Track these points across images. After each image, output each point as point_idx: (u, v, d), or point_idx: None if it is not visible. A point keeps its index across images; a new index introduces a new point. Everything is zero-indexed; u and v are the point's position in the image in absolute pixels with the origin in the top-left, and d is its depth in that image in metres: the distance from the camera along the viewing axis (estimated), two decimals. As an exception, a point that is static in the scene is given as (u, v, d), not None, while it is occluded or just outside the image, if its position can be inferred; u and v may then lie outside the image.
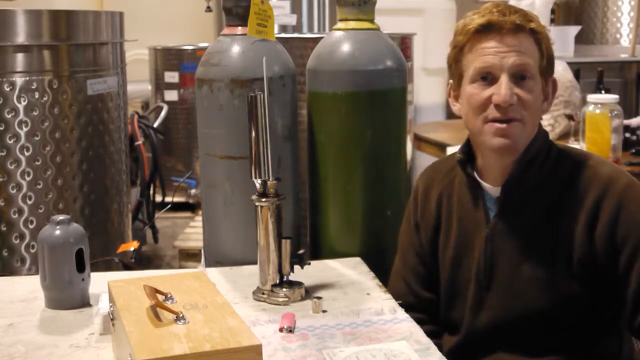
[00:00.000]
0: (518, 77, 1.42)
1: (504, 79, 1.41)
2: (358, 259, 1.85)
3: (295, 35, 3.40)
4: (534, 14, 1.48)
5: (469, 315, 1.53)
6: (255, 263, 1.62)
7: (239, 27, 1.87)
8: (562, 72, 3.30)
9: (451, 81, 1.54)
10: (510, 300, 1.47)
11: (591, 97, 2.92)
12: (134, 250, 2.02)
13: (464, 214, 1.56)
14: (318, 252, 1.95)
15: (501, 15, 1.42)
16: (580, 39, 4.82)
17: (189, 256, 4.08)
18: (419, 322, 1.48)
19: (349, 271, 1.78)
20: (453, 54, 1.50)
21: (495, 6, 1.44)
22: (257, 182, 1.58)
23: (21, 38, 2.40)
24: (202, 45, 5.33)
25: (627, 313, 1.41)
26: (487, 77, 1.43)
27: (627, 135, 3.01)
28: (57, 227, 1.55)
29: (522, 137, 1.44)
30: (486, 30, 1.43)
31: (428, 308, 1.62)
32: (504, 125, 1.42)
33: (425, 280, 1.64)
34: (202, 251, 1.98)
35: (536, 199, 1.47)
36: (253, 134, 1.56)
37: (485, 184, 1.52)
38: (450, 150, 2.92)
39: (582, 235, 1.41)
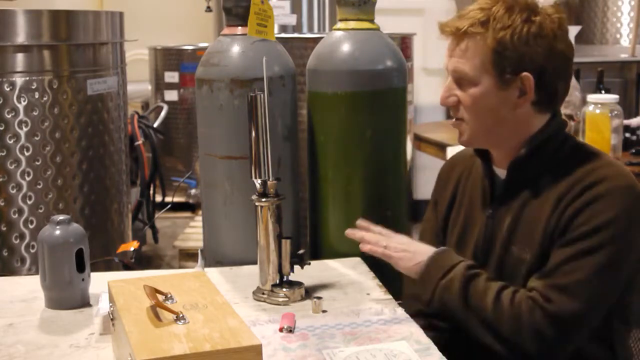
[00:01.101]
0: (459, 79, 1.48)
1: (448, 80, 1.50)
2: (358, 259, 1.85)
3: (295, 35, 3.41)
4: (503, 12, 1.44)
5: None
6: (255, 263, 1.62)
7: (239, 27, 1.87)
8: (562, 72, 3.29)
9: None
10: (500, 279, 1.48)
11: (591, 97, 2.92)
12: (134, 250, 2.02)
13: (474, 194, 1.60)
14: (318, 252, 1.95)
15: (457, 19, 1.47)
16: (580, 39, 4.81)
17: (189, 256, 4.08)
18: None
19: (349, 271, 1.78)
20: None
21: (465, 8, 1.48)
22: (257, 182, 1.58)
23: (21, 38, 2.40)
24: (202, 45, 5.33)
25: (527, 273, 1.43)
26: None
27: (627, 135, 3.01)
28: (57, 227, 1.55)
29: (473, 135, 1.50)
30: (442, 31, 1.49)
31: None
32: (454, 122, 1.52)
33: None
34: (199, 252, 1.98)
35: (540, 186, 1.48)
36: (253, 134, 1.56)
37: (496, 168, 1.56)
38: (450, 150, 2.91)
39: (560, 224, 1.42)
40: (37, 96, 2.41)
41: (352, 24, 1.90)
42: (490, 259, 1.52)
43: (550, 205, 1.44)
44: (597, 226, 1.37)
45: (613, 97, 2.89)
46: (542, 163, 1.49)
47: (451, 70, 1.48)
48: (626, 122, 3.01)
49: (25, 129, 2.40)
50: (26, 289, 1.68)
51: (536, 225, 1.45)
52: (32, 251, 2.43)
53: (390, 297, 1.61)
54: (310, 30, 3.86)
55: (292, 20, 3.77)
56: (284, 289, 1.59)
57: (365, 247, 1.60)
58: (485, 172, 1.57)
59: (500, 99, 1.47)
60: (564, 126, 1.53)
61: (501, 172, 1.54)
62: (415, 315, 1.54)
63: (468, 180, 1.64)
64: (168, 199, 4.40)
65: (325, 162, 1.91)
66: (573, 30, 4.63)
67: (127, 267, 2.10)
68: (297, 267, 1.62)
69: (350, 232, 1.65)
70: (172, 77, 5.35)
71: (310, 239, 2.00)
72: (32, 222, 2.44)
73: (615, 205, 1.38)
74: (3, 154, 2.38)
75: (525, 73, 1.44)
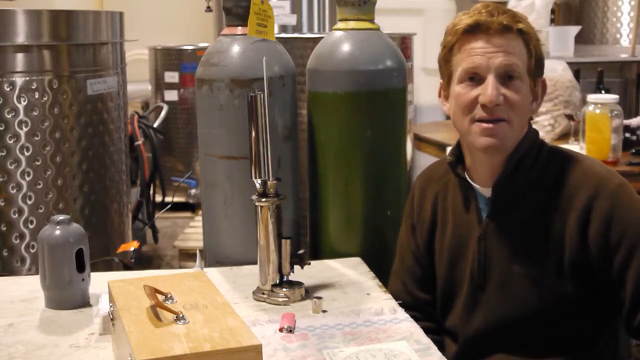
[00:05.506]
0: (505, 77, 1.43)
1: (490, 79, 1.42)
2: (358, 259, 1.85)
3: (295, 35, 3.41)
4: (524, 14, 1.49)
5: (463, 314, 1.53)
6: (255, 263, 1.62)
7: (239, 27, 1.87)
8: (562, 72, 3.29)
9: (441, 81, 1.55)
10: (503, 300, 1.48)
11: (591, 97, 2.92)
12: (134, 250, 2.02)
13: (458, 215, 1.56)
14: (318, 252, 1.95)
15: (489, 16, 1.43)
16: (580, 39, 4.81)
17: (189, 256, 4.07)
18: (414, 319, 1.50)
19: (349, 271, 1.78)
20: (443, 53, 1.51)
21: (485, 7, 1.45)
22: (257, 182, 1.58)
23: (21, 38, 2.40)
24: (202, 45, 5.33)
25: (624, 314, 1.41)
26: (475, 78, 1.44)
27: (627, 135, 3.00)
28: (57, 227, 1.55)
29: (509, 137, 1.45)
30: (474, 30, 1.44)
31: (423, 308, 1.64)
32: (490, 125, 1.43)
33: (421, 281, 1.65)
34: (197, 253, 1.97)
35: (527, 199, 1.47)
36: (253, 134, 1.56)
37: (476, 185, 1.53)
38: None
39: (573, 235, 1.41)
40: (37, 96, 2.41)
41: (352, 24, 1.90)
42: (489, 280, 1.50)
43: (557, 220, 1.43)
44: (637, 229, 1.38)
45: (613, 97, 2.89)
46: (524, 175, 1.47)
47: (504, 65, 1.42)
48: (626, 122, 3.01)
49: (25, 129, 2.40)
50: (26, 289, 1.68)
51: (543, 241, 1.44)
52: (32, 251, 2.43)
53: (390, 297, 1.61)
54: (310, 30, 3.86)
55: (292, 20, 3.77)
56: (284, 289, 1.59)
57: None
58: (465, 191, 1.54)
59: (529, 102, 1.48)
60: (537, 134, 1.53)
61: (482, 190, 1.52)
62: None
63: (446, 200, 1.60)
64: (168, 199, 4.40)
65: (325, 162, 1.91)
66: (573, 31, 4.64)
67: (127, 267, 2.10)
68: (297, 267, 1.62)
69: None
70: (172, 77, 5.34)
71: (310, 239, 2.00)
72: (32, 222, 2.44)
73: (633, 198, 1.41)
74: (3, 154, 2.38)
75: (544, 77, 1.45)
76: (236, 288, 1.68)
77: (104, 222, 2.70)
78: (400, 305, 1.56)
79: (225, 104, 1.83)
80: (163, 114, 4.78)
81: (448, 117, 1.59)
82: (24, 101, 2.39)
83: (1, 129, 2.37)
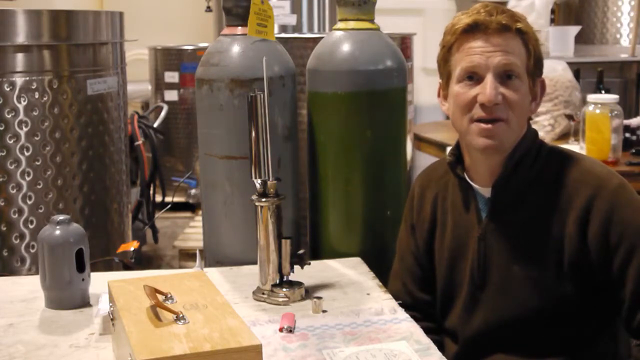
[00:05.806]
0: (504, 76, 1.43)
1: (489, 79, 1.42)
2: (358, 259, 1.85)
3: (295, 35, 3.41)
4: (523, 14, 1.49)
5: (463, 314, 1.53)
6: (255, 263, 1.62)
7: (239, 27, 1.87)
8: (562, 72, 3.29)
9: (440, 81, 1.55)
10: (502, 300, 1.48)
11: (591, 97, 2.92)
12: (134, 250, 2.02)
13: (458, 216, 1.56)
14: (318, 252, 1.95)
15: (488, 15, 1.43)
16: (580, 39, 4.81)
17: (189, 256, 4.07)
18: (414, 319, 1.50)
19: (349, 271, 1.78)
20: (442, 53, 1.51)
21: (484, 6, 1.45)
22: (257, 182, 1.58)
23: (21, 38, 2.40)
24: (202, 45, 5.33)
25: (624, 314, 1.41)
26: (473, 77, 1.44)
27: (627, 135, 3.00)
28: (57, 227, 1.55)
29: (508, 137, 1.45)
30: (473, 30, 1.44)
31: (423, 308, 1.64)
32: (489, 126, 1.43)
33: (421, 281, 1.65)
34: (197, 253, 1.97)
35: (526, 199, 1.47)
36: (253, 134, 1.56)
37: (475, 185, 1.53)
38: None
39: (573, 236, 1.41)
40: (37, 96, 2.41)
41: (352, 24, 1.90)
42: (489, 280, 1.50)
43: (556, 220, 1.43)
44: (636, 229, 1.39)
45: (613, 97, 2.89)
46: (524, 175, 1.47)
47: (502, 64, 1.42)
48: (626, 122, 3.01)
49: (25, 129, 2.40)
50: (26, 289, 1.68)
51: (543, 241, 1.44)
52: (32, 251, 2.43)
53: (390, 297, 1.61)
54: (310, 30, 3.86)
55: (292, 20, 3.77)
56: (284, 289, 1.59)
57: None
58: (465, 191, 1.54)
59: (528, 101, 1.48)
60: (536, 134, 1.52)
61: (482, 190, 1.52)
62: None
63: (446, 201, 1.60)
64: (168, 199, 4.40)
65: (325, 162, 1.91)
66: (573, 31, 4.64)
67: (127, 267, 2.10)
68: (297, 267, 1.62)
69: None
70: (172, 77, 5.34)
71: (310, 239, 2.00)
72: (32, 222, 2.44)
73: (633, 198, 1.41)
74: (3, 154, 2.38)
75: (543, 77, 1.45)
76: (236, 288, 1.68)
77: (104, 222, 2.70)
78: (400, 305, 1.56)
79: (225, 104, 1.83)
80: (163, 114, 4.78)
81: (448, 117, 1.59)
82: (24, 101, 2.39)
83: (1, 129, 2.37)
